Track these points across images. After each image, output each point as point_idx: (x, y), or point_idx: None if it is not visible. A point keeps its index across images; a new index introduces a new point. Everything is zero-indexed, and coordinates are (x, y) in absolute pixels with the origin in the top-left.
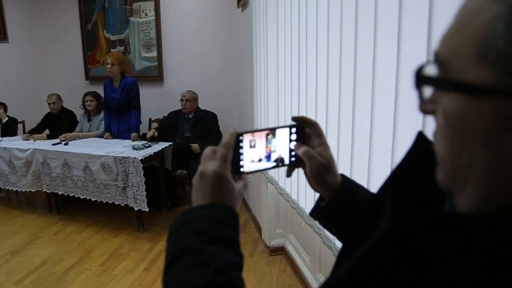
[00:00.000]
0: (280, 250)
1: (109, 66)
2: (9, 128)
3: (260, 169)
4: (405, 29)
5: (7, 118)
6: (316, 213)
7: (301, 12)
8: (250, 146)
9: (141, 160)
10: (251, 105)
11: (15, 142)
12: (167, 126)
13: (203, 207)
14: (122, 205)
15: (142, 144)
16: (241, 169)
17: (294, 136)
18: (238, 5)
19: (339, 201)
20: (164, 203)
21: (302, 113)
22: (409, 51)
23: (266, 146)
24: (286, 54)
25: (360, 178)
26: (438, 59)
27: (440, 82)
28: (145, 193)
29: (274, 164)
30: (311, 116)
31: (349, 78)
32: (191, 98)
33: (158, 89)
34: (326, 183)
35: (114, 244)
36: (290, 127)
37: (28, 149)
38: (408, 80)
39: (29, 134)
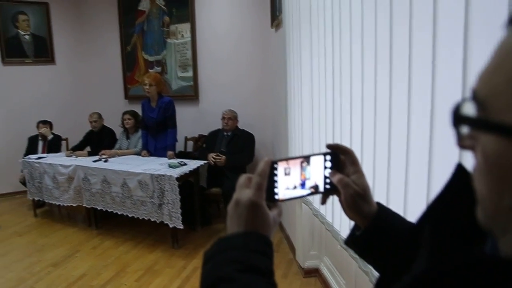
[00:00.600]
0: (314, 272)
1: (147, 86)
2: (54, 145)
3: (294, 197)
4: (440, 56)
5: (52, 136)
6: (351, 241)
7: (334, 35)
8: (285, 174)
9: (177, 178)
10: (285, 128)
11: (59, 159)
12: (208, 146)
13: (238, 235)
14: (158, 222)
15: (178, 162)
16: (276, 197)
17: (328, 164)
18: (272, 25)
19: (375, 230)
20: (199, 221)
21: (337, 139)
22: (445, 79)
23: (301, 174)
24: (320, 77)
25: (396, 206)
26: (476, 97)
27: (478, 123)
28: (180, 210)
29: (309, 191)
30: (346, 142)
31: (384, 105)
32: (232, 117)
33: (193, 108)
34: (362, 212)
35: (149, 260)
36: (325, 154)
37: (71, 165)
38: (444, 108)
39: (71, 151)
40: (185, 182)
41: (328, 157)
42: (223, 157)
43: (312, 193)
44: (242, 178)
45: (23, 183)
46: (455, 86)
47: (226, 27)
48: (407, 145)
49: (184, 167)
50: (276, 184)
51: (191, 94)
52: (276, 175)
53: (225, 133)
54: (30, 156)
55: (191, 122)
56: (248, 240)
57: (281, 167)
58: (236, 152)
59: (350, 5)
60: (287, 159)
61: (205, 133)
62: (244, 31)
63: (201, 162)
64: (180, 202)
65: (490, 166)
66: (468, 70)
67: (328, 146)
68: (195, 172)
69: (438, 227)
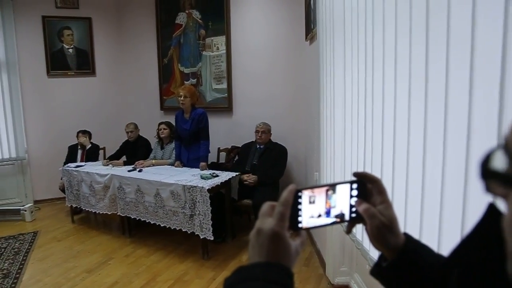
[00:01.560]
0: None
1: (181, 98)
2: (92, 154)
3: (319, 225)
4: (477, 83)
5: (90, 145)
6: (377, 272)
7: (367, 53)
8: (310, 202)
9: (208, 190)
10: (318, 143)
11: (96, 167)
12: (240, 159)
13: (258, 265)
14: (189, 232)
15: (210, 174)
16: (299, 225)
17: (355, 192)
18: (306, 38)
19: (401, 263)
20: (229, 233)
21: (368, 161)
22: (483, 108)
23: (326, 202)
24: (353, 96)
25: (429, 239)
26: (508, 149)
27: (509, 181)
28: (211, 222)
29: (334, 220)
30: (376, 169)
31: (418, 132)
32: (266, 130)
33: (227, 119)
34: (388, 243)
35: (180, 270)
36: (351, 182)
37: (107, 175)
38: (482, 137)
39: (108, 160)
40: (217, 193)
41: (355, 185)
42: (255, 177)
43: (337, 222)
44: (265, 206)
45: (63, 190)
46: (492, 114)
47: (260, 40)
48: (442, 176)
49: (216, 178)
50: (300, 213)
51: (225, 106)
52: (300, 203)
53: (258, 146)
54: (69, 164)
55: (224, 133)
56: (268, 271)
57: (305, 195)
58: (268, 165)
59: (383, 24)
60: (312, 187)
61: (238, 145)
62: (279, 44)
63: (233, 174)
64: (211, 213)
65: None
66: (506, 98)
67: (355, 174)
68: (226, 183)
69: (466, 274)
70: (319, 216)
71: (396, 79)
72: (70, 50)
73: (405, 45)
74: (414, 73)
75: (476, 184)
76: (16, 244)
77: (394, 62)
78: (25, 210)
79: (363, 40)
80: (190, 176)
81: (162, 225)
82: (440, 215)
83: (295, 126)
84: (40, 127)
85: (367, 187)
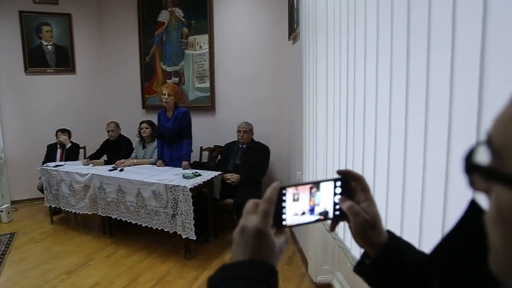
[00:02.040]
0: (327, 287)
1: (165, 97)
2: (72, 153)
3: (302, 223)
4: (458, 80)
5: (70, 144)
6: (360, 269)
7: (349, 53)
8: (294, 200)
9: (191, 189)
10: (300, 142)
11: (76, 167)
12: (223, 158)
13: (242, 263)
14: (171, 232)
15: (192, 173)
16: (283, 223)
17: (338, 190)
18: (289, 38)
19: (384, 260)
20: (212, 232)
21: (349, 162)
22: (464, 104)
23: (310, 200)
24: (335, 95)
25: (411, 236)
26: (491, 144)
27: (492, 174)
28: (193, 221)
29: (318, 217)
30: (358, 167)
31: (399, 129)
32: (248, 130)
33: (210, 118)
34: (371, 241)
35: (162, 270)
36: (335, 180)
37: (87, 174)
38: (463, 133)
39: (88, 160)
40: (199, 193)
41: (339, 183)
42: (237, 176)
43: (320, 220)
44: (249, 204)
45: (41, 190)
46: (472, 111)
47: (244, 39)
48: (423, 173)
49: (198, 178)
50: (284, 210)
51: (208, 105)
52: (284, 201)
53: (240, 146)
54: (48, 163)
55: (207, 132)
56: (252, 268)
57: (289, 193)
58: (250, 164)
59: (365, 23)
60: (296, 184)
61: (221, 144)
62: (262, 43)
63: (216, 173)
64: (193, 213)
65: (504, 218)
66: (485, 97)
67: (339, 172)
68: (209, 183)
69: (449, 270)
70: (303, 213)
71: (377, 78)
72: (49, 47)
73: (386, 43)
74: (396, 71)
75: (457, 181)
76: None
77: (376, 61)
78: (2, 211)
79: (345, 39)
80: (172, 176)
81: (143, 225)
82: (421, 213)
83: (278, 126)
84: (18, 126)
85: (351, 185)
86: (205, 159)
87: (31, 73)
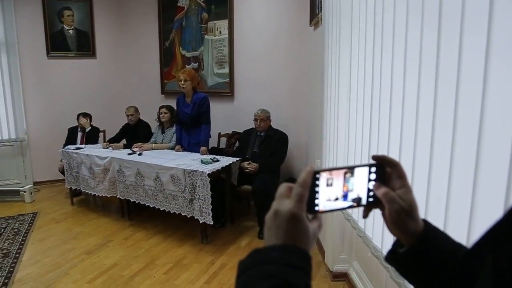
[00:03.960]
0: (343, 276)
1: (182, 82)
2: (92, 136)
3: (335, 209)
4: (492, 67)
5: (90, 128)
6: (392, 258)
7: (376, 39)
8: (327, 185)
9: (209, 174)
10: (320, 130)
11: (96, 150)
12: (241, 146)
13: (275, 248)
14: (188, 216)
15: (211, 159)
16: (316, 208)
17: (373, 176)
18: (310, 23)
19: (420, 250)
20: (229, 218)
21: (373, 150)
22: (497, 91)
23: (344, 185)
24: (359, 82)
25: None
26: None
27: None
28: (211, 206)
29: (351, 204)
30: (382, 152)
31: (427, 116)
32: (265, 117)
33: (228, 104)
34: (406, 229)
35: (178, 254)
36: (370, 166)
37: (107, 157)
38: (493, 118)
39: (108, 143)
40: (216, 178)
41: (373, 169)
42: (255, 165)
43: (353, 206)
44: (282, 188)
45: (62, 172)
46: (508, 100)
47: (263, 25)
48: (450, 163)
49: (216, 163)
50: (317, 195)
51: (227, 91)
52: (317, 185)
53: (258, 133)
54: (69, 146)
55: (225, 118)
56: (286, 254)
57: (323, 178)
58: (269, 152)
59: (394, 7)
60: (330, 169)
61: (239, 130)
62: (282, 29)
63: (233, 159)
64: (211, 198)
65: None
66: None
67: (374, 157)
68: (227, 168)
69: (504, 257)
70: (336, 199)
71: (405, 64)
72: (70, 31)
73: (416, 28)
74: (425, 58)
75: (487, 171)
76: (16, 225)
77: (404, 46)
78: (25, 191)
79: (372, 25)
80: (190, 161)
81: (161, 209)
82: (446, 204)
83: (296, 113)
84: (40, 109)
85: (386, 171)
86: (223, 145)
87: (53, 57)
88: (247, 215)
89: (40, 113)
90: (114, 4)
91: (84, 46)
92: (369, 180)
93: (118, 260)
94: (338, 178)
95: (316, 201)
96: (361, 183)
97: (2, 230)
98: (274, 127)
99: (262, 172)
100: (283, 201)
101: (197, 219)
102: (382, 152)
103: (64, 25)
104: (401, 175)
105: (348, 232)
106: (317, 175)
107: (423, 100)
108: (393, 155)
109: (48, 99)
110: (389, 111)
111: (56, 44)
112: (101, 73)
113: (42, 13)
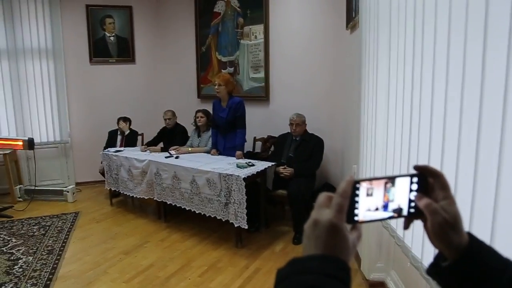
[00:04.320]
0: (379, 285)
1: (216, 87)
2: (131, 139)
3: (375, 219)
4: None
5: (129, 131)
6: (434, 272)
7: (416, 41)
8: (367, 195)
9: (244, 179)
10: (357, 135)
11: (134, 153)
12: (276, 150)
13: (314, 258)
14: (223, 220)
15: (246, 163)
16: (356, 218)
17: (415, 186)
18: (347, 27)
19: (465, 266)
20: (263, 222)
21: (413, 157)
22: None
23: (384, 195)
24: (398, 88)
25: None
26: None
27: None
28: (246, 211)
29: (391, 214)
30: (422, 162)
31: (472, 126)
32: (300, 122)
33: (264, 108)
34: (450, 242)
35: (213, 257)
36: (411, 176)
37: (145, 160)
38: None
39: (146, 146)
40: (252, 183)
41: (415, 179)
42: (291, 169)
43: (394, 217)
44: (322, 197)
45: (102, 173)
46: None
47: (299, 29)
48: (497, 172)
49: (252, 168)
50: (357, 205)
51: (262, 95)
52: (357, 195)
53: (294, 138)
54: (109, 149)
55: (260, 122)
56: (325, 264)
57: (363, 187)
58: (304, 157)
59: (435, 11)
60: (370, 179)
61: (274, 134)
62: (318, 33)
63: (269, 164)
64: (246, 202)
65: None
66: None
67: (416, 168)
68: (262, 173)
69: None
70: (376, 209)
71: (448, 68)
72: (112, 38)
73: (459, 32)
74: (469, 64)
75: None
76: (59, 223)
77: (447, 50)
78: (68, 191)
79: (412, 28)
80: (226, 165)
81: (197, 212)
82: (493, 216)
83: (332, 117)
84: (83, 112)
85: (429, 181)
86: (258, 149)
87: (95, 63)
88: (282, 220)
89: (83, 117)
90: (152, 11)
91: (124, 52)
92: (411, 190)
93: (154, 261)
94: (378, 188)
95: (356, 211)
96: (402, 193)
97: (47, 227)
98: (310, 131)
99: (297, 177)
100: (323, 211)
101: (232, 223)
102: (422, 159)
103: (106, 32)
104: (444, 186)
105: (385, 240)
106: (357, 185)
107: (467, 106)
108: (435, 163)
109: (90, 103)
110: (430, 118)
111: (98, 51)
112: (140, 78)
113: (85, 21)
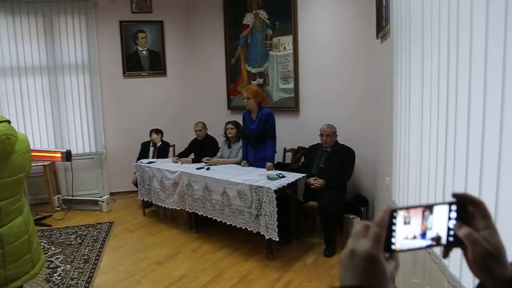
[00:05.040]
0: None
1: (245, 100)
2: (163, 151)
3: (413, 248)
4: None
5: (161, 143)
6: None
7: (450, 51)
8: (405, 223)
9: (275, 191)
10: (390, 147)
11: (166, 164)
12: (307, 161)
13: None
14: (254, 232)
15: (277, 174)
16: (393, 247)
17: (453, 214)
18: (377, 36)
19: None
20: (294, 234)
21: (449, 170)
22: None
23: (422, 223)
24: (433, 100)
25: None
26: None
27: None
28: (277, 223)
29: (430, 242)
30: (459, 177)
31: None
32: (331, 133)
33: (294, 119)
34: (493, 274)
35: (244, 268)
36: (450, 204)
37: (176, 171)
38: None
39: (177, 157)
40: (282, 194)
41: (454, 207)
42: (321, 181)
43: (432, 245)
44: (359, 226)
45: (135, 184)
46: None
47: (328, 39)
48: None
49: (282, 179)
50: (394, 234)
51: (292, 106)
52: (394, 224)
53: (324, 149)
54: (142, 160)
55: (290, 133)
56: None
57: (400, 216)
58: (335, 168)
59: (471, 22)
60: (407, 207)
61: (304, 145)
62: (347, 43)
63: (300, 175)
64: (277, 214)
65: None
66: None
67: (455, 196)
68: (293, 185)
69: None
70: (414, 237)
71: (486, 80)
72: (144, 52)
73: (498, 41)
74: (509, 78)
75: None
76: (95, 232)
77: (484, 62)
78: (103, 201)
79: (446, 38)
80: (256, 176)
81: (228, 223)
82: None
83: (363, 128)
84: (116, 124)
85: (468, 209)
86: (288, 160)
87: (128, 76)
88: (313, 232)
89: (117, 128)
90: (183, 24)
91: (156, 65)
92: (449, 218)
93: (186, 271)
94: (416, 216)
95: (393, 240)
96: (441, 222)
97: (84, 236)
98: (340, 142)
99: (328, 188)
100: (360, 241)
101: (262, 234)
102: (459, 181)
103: (138, 47)
104: (485, 215)
105: (420, 255)
106: (394, 213)
107: (507, 126)
108: (472, 186)
109: (124, 115)
110: (467, 134)
111: (131, 64)
112: (171, 90)
113: (119, 36)
